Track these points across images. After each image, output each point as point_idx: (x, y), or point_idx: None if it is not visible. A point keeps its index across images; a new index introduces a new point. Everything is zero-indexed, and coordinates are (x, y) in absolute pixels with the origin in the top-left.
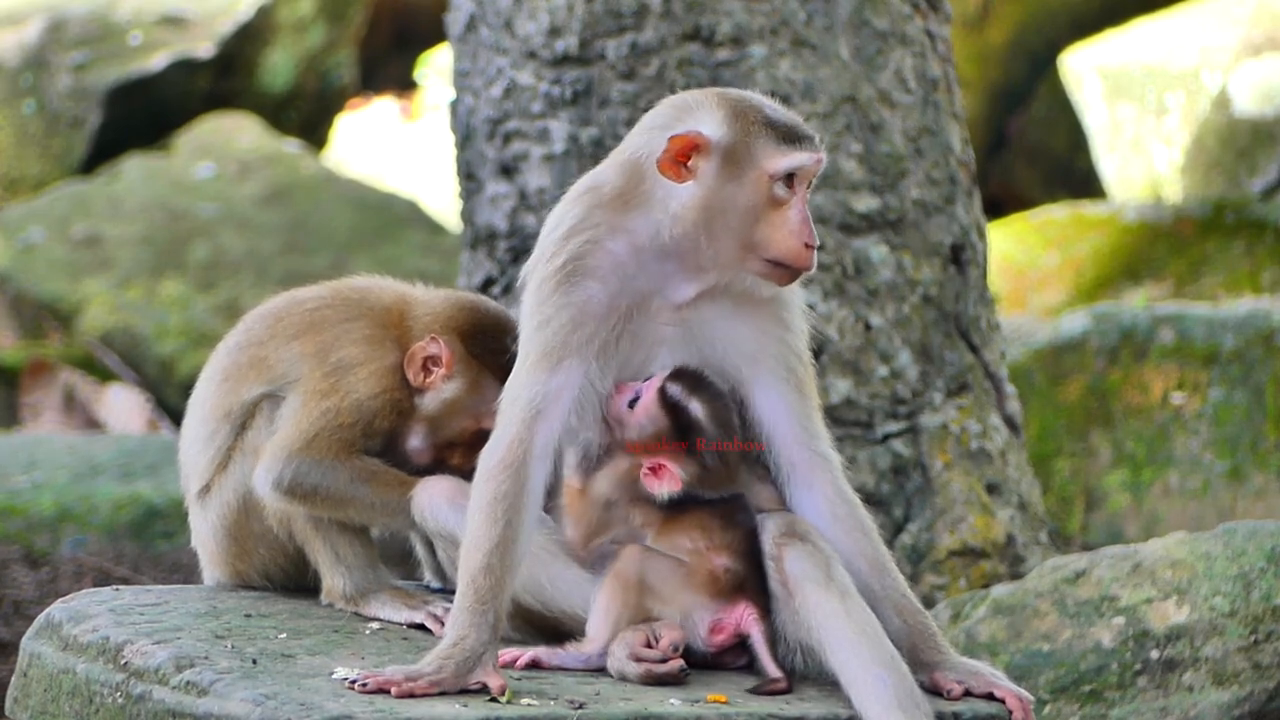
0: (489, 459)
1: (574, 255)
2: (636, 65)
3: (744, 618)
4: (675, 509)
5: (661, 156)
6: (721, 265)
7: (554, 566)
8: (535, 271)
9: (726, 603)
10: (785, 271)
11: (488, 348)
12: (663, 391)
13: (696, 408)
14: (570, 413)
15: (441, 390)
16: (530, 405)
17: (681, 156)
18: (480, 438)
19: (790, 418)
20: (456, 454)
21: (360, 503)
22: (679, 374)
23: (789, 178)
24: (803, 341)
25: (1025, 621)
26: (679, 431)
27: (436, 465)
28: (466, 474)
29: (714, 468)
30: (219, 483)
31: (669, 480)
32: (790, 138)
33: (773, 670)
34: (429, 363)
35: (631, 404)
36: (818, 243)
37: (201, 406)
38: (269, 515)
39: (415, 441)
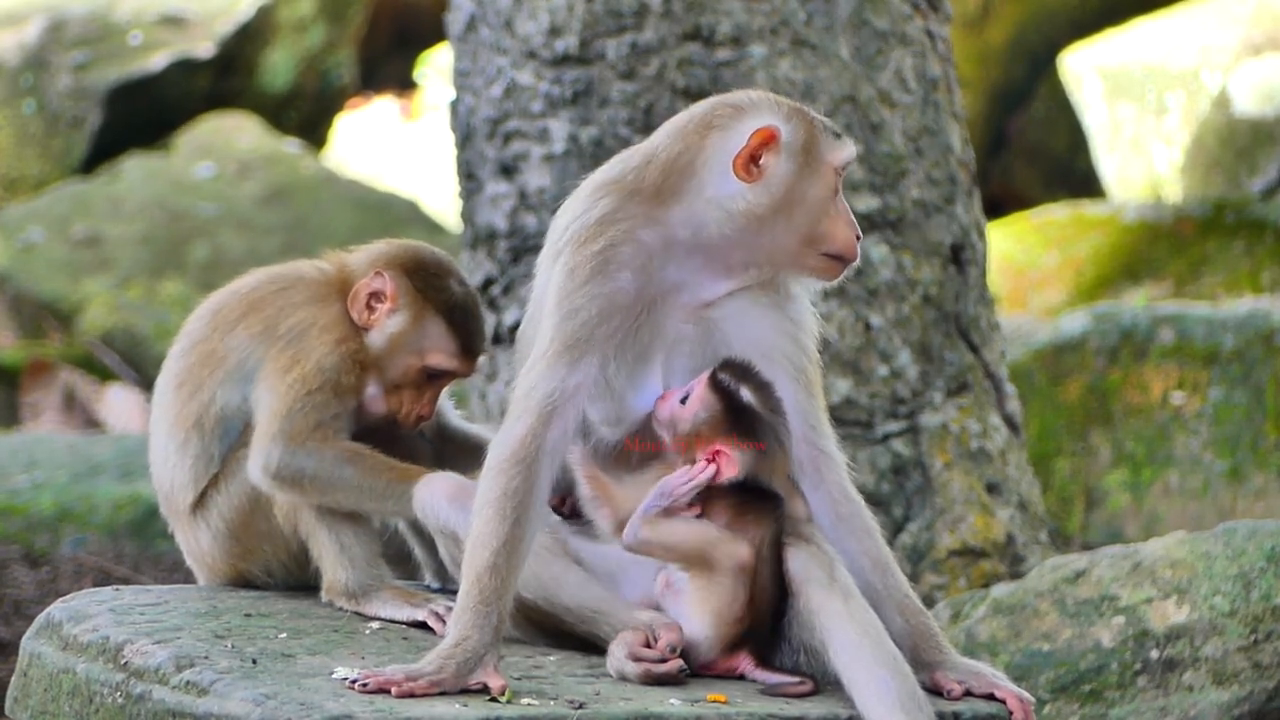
0: (499, 452)
1: (610, 243)
2: (636, 65)
3: (738, 668)
4: (728, 518)
5: (742, 151)
6: (776, 262)
7: (556, 564)
8: (564, 256)
9: (726, 651)
10: (839, 264)
11: (431, 284)
12: (714, 378)
13: (748, 393)
14: (584, 410)
15: (386, 325)
16: (547, 400)
17: (756, 154)
18: (425, 378)
19: (799, 416)
20: (405, 398)
21: (347, 485)
22: (727, 364)
23: (842, 170)
24: (813, 342)
25: (1025, 621)
26: (733, 415)
27: (389, 420)
28: (412, 424)
29: (770, 449)
30: (219, 489)
31: (726, 465)
32: (836, 132)
33: (789, 679)
34: (373, 299)
35: (683, 401)
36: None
37: (165, 421)
38: (277, 510)
39: (369, 389)
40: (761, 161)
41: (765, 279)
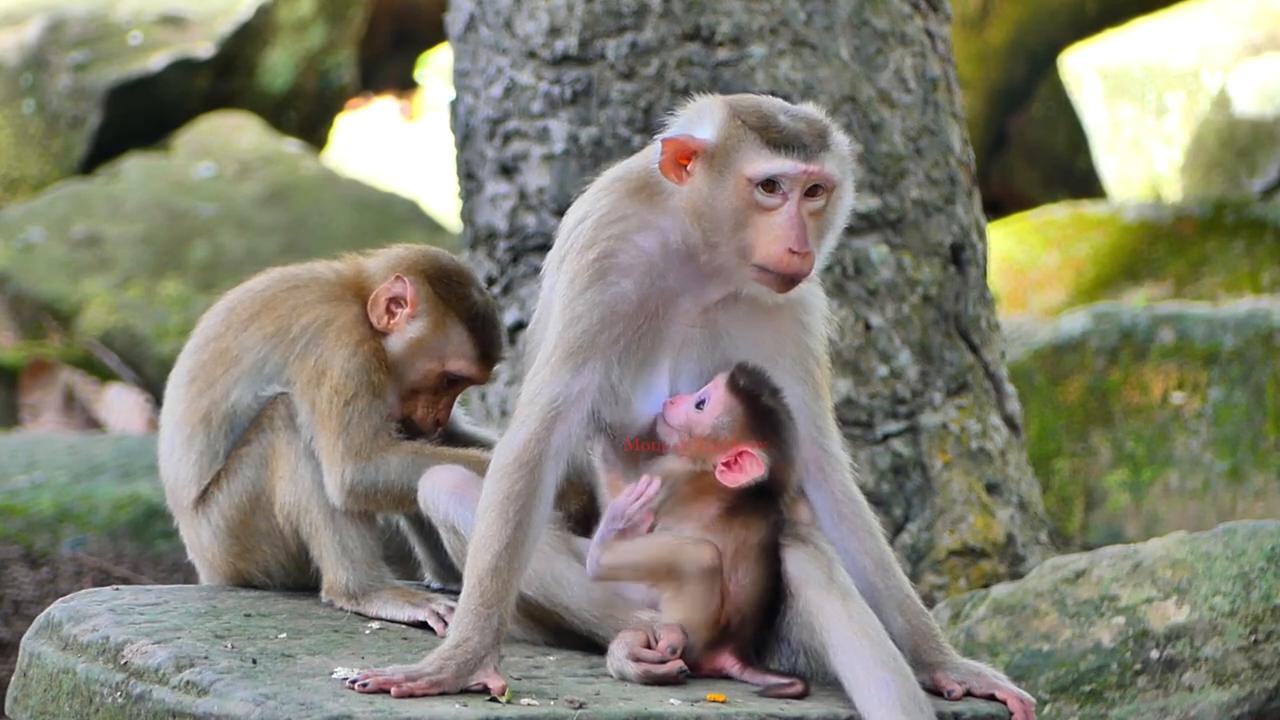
0: (503, 455)
1: (607, 251)
2: (636, 65)
3: (723, 669)
4: (723, 514)
5: (660, 159)
6: (721, 270)
7: (558, 563)
8: (567, 262)
9: (712, 649)
10: (774, 277)
11: (453, 291)
12: (734, 384)
13: (768, 395)
14: (589, 415)
15: (406, 330)
16: (551, 405)
17: (681, 159)
18: (444, 383)
19: (804, 417)
20: (420, 403)
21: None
22: (740, 368)
23: (770, 184)
24: (821, 344)
25: (1025, 621)
26: (756, 417)
27: (405, 423)
28: (429, 428)
29: (789, 449)
30: (221, 487)
31: (752, 465)
32: (778, 144)
33: (781, 680)
34: (392, 304)
35: (699, 406)
36: (809, 249)
37: (174, 416)
38: (278, 510)
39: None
40: (690, 167)
41: (734, 287)
